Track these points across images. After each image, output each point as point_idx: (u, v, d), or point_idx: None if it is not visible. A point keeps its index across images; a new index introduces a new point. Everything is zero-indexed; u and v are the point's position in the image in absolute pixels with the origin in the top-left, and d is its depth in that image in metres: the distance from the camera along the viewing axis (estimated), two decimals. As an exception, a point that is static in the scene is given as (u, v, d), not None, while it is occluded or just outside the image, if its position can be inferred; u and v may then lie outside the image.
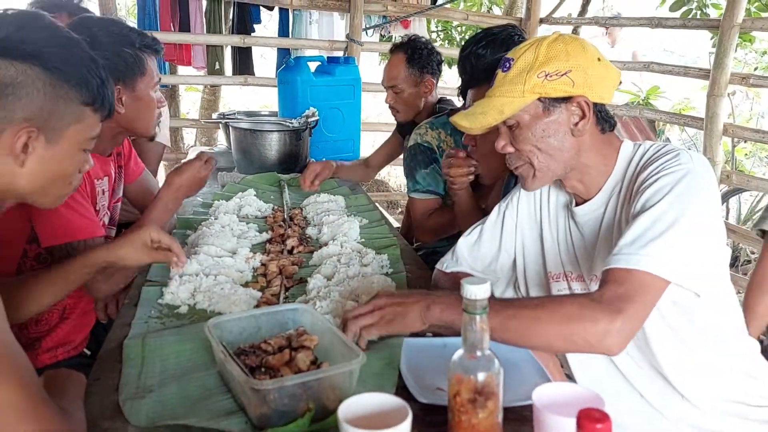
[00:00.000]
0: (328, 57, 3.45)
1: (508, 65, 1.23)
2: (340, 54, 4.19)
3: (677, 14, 4.73)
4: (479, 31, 1.88)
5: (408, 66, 2.47)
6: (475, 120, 1.27)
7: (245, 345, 1.11)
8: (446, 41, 6.57)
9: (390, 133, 2.96)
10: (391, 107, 2.59)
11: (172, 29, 4.23)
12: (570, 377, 1.35)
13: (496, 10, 7.22)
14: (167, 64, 4.45)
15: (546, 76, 1.18)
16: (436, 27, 6.49)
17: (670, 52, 10.72)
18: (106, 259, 1.31)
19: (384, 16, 4.59)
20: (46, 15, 1.06)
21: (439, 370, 1.09)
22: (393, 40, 5.45)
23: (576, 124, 1.23)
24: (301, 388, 0.95)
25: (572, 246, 1.38)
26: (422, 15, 4.47)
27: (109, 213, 1.75)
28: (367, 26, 4.58)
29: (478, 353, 0.86)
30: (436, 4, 4.73)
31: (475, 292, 0.83)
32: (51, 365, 1.56)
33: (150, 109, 1.68)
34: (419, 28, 4.63)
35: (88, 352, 1.69)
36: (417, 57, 2.47)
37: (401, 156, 2.84)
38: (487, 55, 1.75)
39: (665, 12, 4.98)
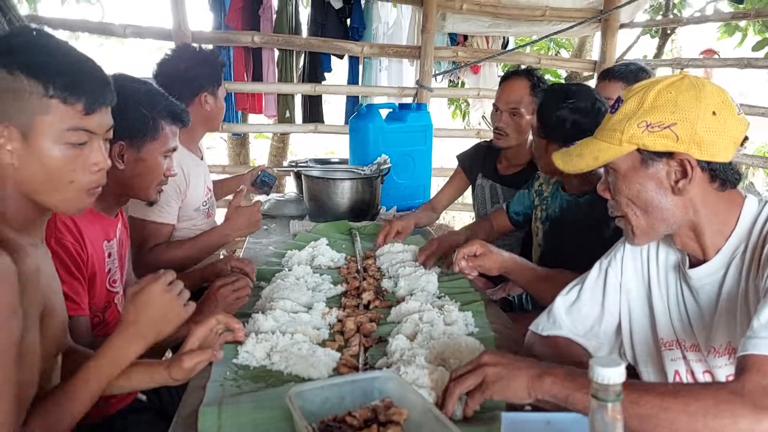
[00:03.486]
0: (399, 103, 3.43)
1: (616, 106, 1.12)
2: (409, 100, 4.17)
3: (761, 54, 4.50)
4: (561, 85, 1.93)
5: (531, 93, 2.44)
6: (569, 161, 1.18)
7: (328, 418, 1.01)
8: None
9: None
10: (498, 130, 2.51)
11: (246, 79, 4.33)
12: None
13: (563, 53, 7.11)
14: (239, 112, 4.55)
15: (647, 126, 1.06)
16: (504, 71, 6.43)
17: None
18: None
19: (454, 62, 4.56)
20: (32, 27, 1.09)
21: (544, 451, 0.96)
22: (463, 85, 5.42)
23: (676, 182, 1.09)
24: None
25: (686, 312, 1.22)
26: (493, 60, 4.42)
27: (120, 277, 1.63)
28: (437, 72, 4.56)
29: (610, 448, 0.72)
30: (507, 48, 4.67)
31: (609, 375, 0.70)
32: (111, 416, 1.52)
33: (152, 174, 1.65)
34: (489, 73, 4.58)
35: (144, 398, 1.63)
36: (539, 86, 2.45)
37: (466, 198, 2.79)
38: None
39: (746, 52, 4.75)
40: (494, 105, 2.56)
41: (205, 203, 2.30)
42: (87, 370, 1.10)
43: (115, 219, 1.62)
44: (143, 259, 1.97)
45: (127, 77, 1.68)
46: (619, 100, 1.14)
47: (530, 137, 2.51)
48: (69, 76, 1.06)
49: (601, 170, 1.23)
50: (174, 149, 1.71)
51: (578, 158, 1.17)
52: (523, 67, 3.68)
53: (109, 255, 1.55)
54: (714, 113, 1.07)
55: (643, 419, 0.92)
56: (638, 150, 1.10)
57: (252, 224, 2.05)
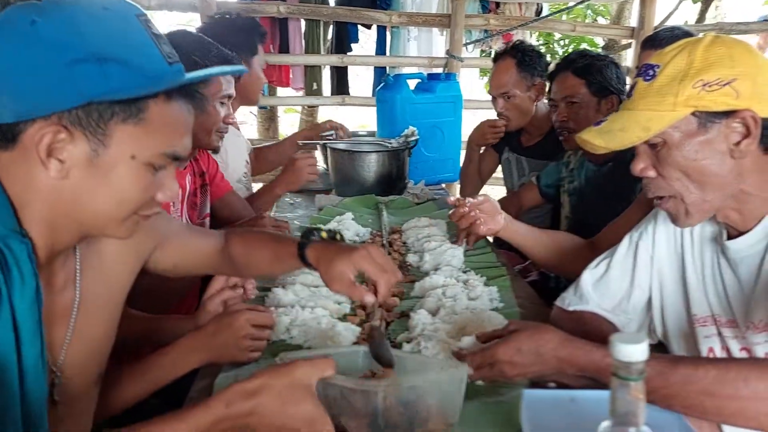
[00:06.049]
0: (428, 74, 3.35)
1: (652, 73, 1.04)
2: (439, 71, 4.08)
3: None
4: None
5: (519, 70, 2.43)
6: (612, 138, 1.08)
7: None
8: (548, 54, 6.33)
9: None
10: (500, 116, 2.54)
11: (272, 51, 4.30)
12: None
13: (601, 21, 6.87)
14: (266, 85, 4.53)
15: (704, 85, 0.98)
16: (538, 40, 6.26)
17: None
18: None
19: (485, 30, 4.45)
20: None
21: (567, 429, 0.93)
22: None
23: (737, 143, 1.02)
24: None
25: (722, 286, 1.16)
26: (526, 27, 4.29)
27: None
28: (468, 41, 4.45)
29: (631, 430, 0.68)
30: (540, 15, 4.52)
31: (631, 353, 0.66)
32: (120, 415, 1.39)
33: (210, 120, 1.67)
34: (522, 41, 4.45)
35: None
36: (528, 60, 2.43)
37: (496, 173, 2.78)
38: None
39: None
40: (488, 92, 2.59)
41: (245, 174, 2.31)
42: (146, 363, 1.15)
43: (184, 171, 1.71)
44: None
45: (179, 32, 1.76)
46: (651, 66, 1.06)
47: (543, 106, 2.49)
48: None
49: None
50: (230, 96, 1.74)
51: (621, 133, 1.07)
52: (557, 36, 3.57)
53: (173, 204, 1.64)
54: None
55: (691, 399, 0.90)
56: (694, 114, 1.02)
57: (296, 177, 2.12)
